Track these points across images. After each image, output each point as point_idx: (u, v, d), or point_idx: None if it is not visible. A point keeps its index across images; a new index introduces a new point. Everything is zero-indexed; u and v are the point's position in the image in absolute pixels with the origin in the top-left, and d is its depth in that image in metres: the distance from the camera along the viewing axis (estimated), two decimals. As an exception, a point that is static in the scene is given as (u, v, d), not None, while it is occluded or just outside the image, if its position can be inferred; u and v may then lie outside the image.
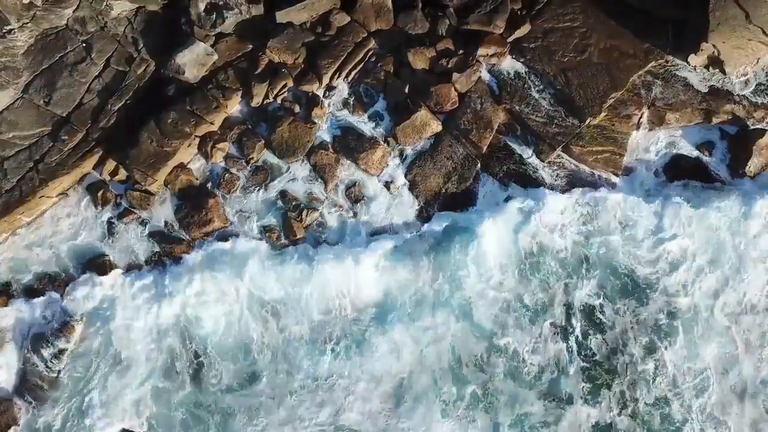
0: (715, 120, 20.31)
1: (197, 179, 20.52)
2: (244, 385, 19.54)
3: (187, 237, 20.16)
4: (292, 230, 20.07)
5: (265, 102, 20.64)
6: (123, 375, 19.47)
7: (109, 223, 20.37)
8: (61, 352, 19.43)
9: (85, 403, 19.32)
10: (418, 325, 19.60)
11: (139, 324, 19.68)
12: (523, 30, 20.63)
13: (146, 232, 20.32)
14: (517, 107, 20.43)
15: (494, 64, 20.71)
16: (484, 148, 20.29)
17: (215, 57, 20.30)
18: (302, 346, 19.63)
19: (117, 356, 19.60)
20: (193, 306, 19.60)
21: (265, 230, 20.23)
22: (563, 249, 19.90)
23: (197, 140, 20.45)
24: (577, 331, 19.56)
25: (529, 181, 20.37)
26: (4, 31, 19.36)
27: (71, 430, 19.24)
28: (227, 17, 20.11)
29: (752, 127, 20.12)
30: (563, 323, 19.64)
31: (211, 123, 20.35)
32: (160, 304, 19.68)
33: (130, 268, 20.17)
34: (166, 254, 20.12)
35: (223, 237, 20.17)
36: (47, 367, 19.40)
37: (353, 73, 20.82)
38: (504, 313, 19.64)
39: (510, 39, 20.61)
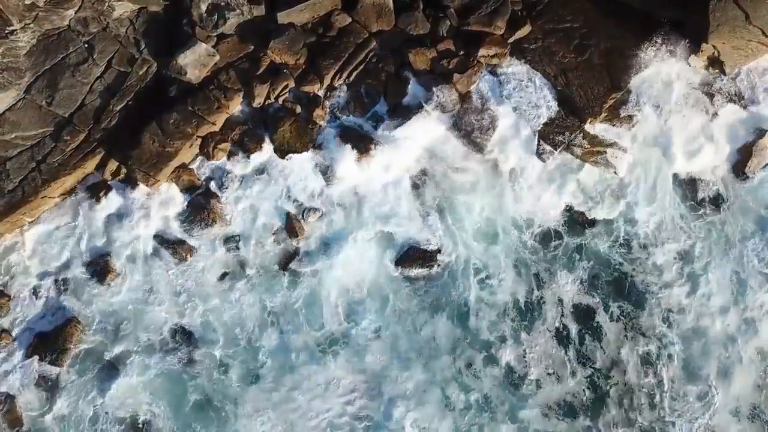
0: (715, 120, 20.41)
1: (199, 179, 20.58)
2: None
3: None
4: (294, 230, 20.29)
5: (266, 102, 20.68)
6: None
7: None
8: (64, 351, 19.54)
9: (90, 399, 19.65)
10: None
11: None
12: (524, 31, 20.69)
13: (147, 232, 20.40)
14: (518, 107, 20.51)
15: (495, 65, 20.77)
16: (486, 149, 20.40)
17: (217, 58, 20.32)
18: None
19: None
20: None
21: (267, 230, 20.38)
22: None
23: (199, 140, 20.49)
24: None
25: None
26: (6, 31, 19.34)
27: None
28: (229, 18, 20.14)
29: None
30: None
31: (213, 123, 20.40)
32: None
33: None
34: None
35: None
36: (52, 365, 19.52)
37: (354, 74, 20.83)
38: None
39: (511, 40, 20.67)
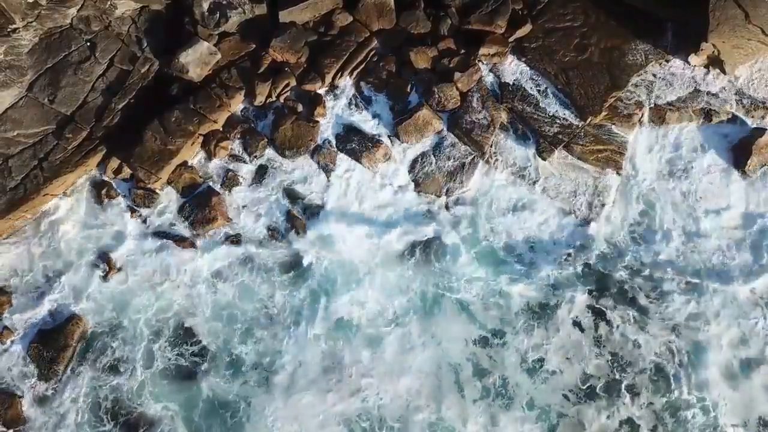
0: (715, 120, 20.46)
1: (201, 177, 20.62)
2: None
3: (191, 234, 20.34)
4: (296, 227, 20.26)
5: (268, 101, 20.77)
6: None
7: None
8: (65, 348, 19.54)
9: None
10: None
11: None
12: (524, 30, 20.79)
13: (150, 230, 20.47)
14: (518, 106, 20.58)
15: (495, 64, 20.85)
16: (486, 147, 20.44)
17: (218, 56, 20.43)
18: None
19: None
20: None
21: (269, 228, 20.41)
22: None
23: (200, 138, 20.58)
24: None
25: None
26: (9, 30, 19.48)
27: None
28: (230, 17, 20.26)
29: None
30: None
31: (215, 121, 20.47)
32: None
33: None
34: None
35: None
36: (52, 364, 19.52)
37: (355, 73, 20.95)
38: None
39: (511, 39, 20.78)
